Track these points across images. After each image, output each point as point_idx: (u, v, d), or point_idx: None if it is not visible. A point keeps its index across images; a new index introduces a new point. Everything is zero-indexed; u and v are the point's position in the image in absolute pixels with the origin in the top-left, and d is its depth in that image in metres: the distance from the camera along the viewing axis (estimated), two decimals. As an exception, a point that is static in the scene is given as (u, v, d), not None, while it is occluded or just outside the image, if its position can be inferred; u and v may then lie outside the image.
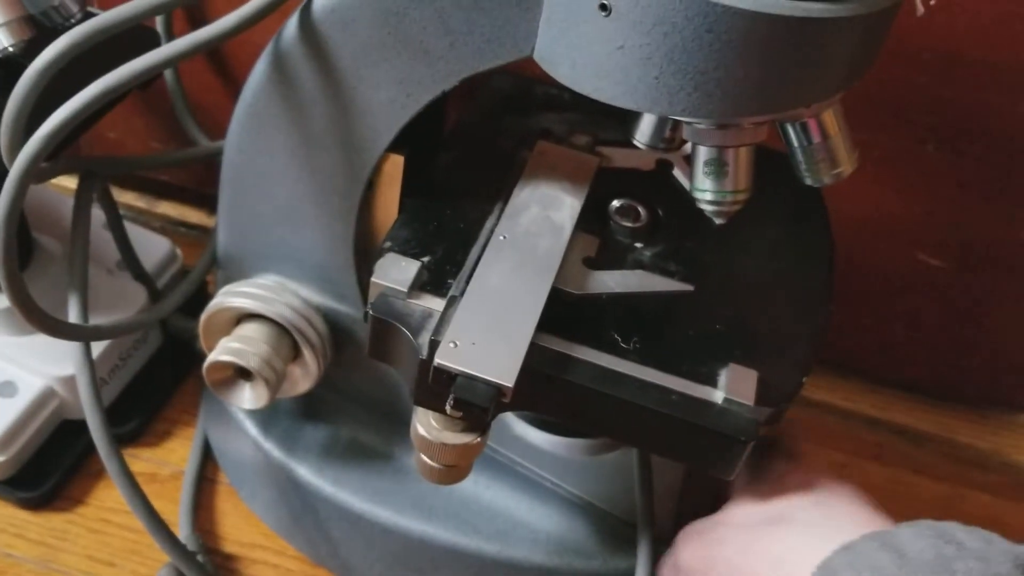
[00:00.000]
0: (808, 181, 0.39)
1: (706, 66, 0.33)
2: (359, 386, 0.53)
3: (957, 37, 0.51)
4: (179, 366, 0.63)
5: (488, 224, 0.44)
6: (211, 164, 0.67)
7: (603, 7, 0.33)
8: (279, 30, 0.42)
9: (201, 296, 0.61)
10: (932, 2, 0.38)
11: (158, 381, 0.62)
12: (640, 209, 0.47)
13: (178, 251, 0.65)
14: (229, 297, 0.49)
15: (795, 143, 0.39)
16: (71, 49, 0.38)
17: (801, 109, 0.37)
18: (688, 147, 0.39)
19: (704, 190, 0.38)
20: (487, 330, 0.38)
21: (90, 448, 0.57)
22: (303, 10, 0.40)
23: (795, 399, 0.40)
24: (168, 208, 0.74)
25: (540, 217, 0.44)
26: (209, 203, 0.74)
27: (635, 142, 0.41)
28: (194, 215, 0.74)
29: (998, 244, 0.60)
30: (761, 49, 0.32)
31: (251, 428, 0.54)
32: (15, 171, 0.40)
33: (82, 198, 0.51)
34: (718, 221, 0.40)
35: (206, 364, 0.47)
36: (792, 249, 0.47)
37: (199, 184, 0.73)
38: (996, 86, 0.52)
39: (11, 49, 0.43)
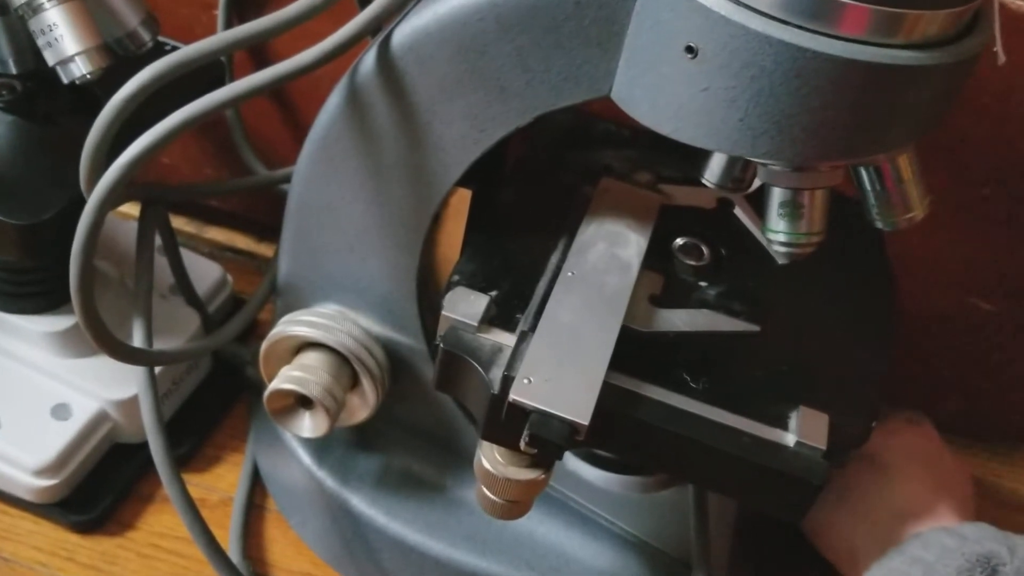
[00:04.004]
0: (880, 224, 0.40)
1: (792, 110, 0.33)
2: (414, 417, 0.53)
3: (1015, 84, 0.51)
4: (228, 392, 0.63)
5: (553, 259, 0.44)
6: (263, 190, 0.68)
7: (689, 49, 0.33)
8: (355, 63, 0.42)
9: (250, 323, 0.61)
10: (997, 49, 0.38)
11: (208, 406, 0.63)
12: (703, 247, 0.47)
13: (228, 277, 0.66)
14: (291, 326, 0.49)
15: (868, 187, 0.39)
16: (155, 81, 0.39)
17: (879, 154, 0.37)
18: (753, 186, 0.40)
19: (778, 231, 0.39)
20: (560, 367, 0.38)
21: (141, 472, 0.58)
22: (381, 45, 0.41)
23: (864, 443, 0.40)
24: (217, 233, 0.75)
25: (607, 254, 0.44)
26: (257, 229, 0.75)
27: (704, 181, 0.41)
28: (242, 241, 0.75)
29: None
30: (847, 95, 0.32)
31: (305, 456, 0.54)
32: (95, 198, 0.40)
33: (146, 225, 0.52)
34: (784, 261, 0.40)
35: (267, 392, 0.48)
36: (855, 290, 0.47)
37: (248, 210, 0.73)
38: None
39: (89, 76, 0.44)
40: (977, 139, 0.54)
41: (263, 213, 0.72)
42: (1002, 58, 0.35)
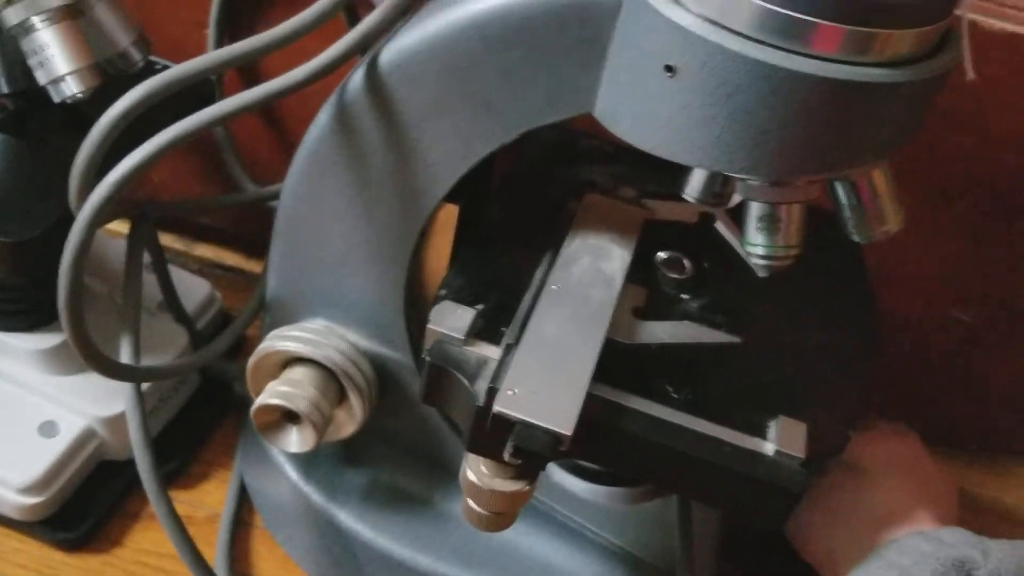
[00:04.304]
0: (856, 237, 0.40)
1: (768, 127, 0.34)
2: (402, 431, 0.54)
3: (989, 101, 0.53)
4: (216, 408, 0.64)
5: (539, 274, 0.45)
6: (252, 207, 0.69)
7: (668, 68, 0.34)
8: (343, 82, 0.43)
9: (239, 339, 0.62)
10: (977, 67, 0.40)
11: (195, 423, 0.63)
12: (685, 261, 0.48)
13: (217, 294, 0.66)
14: (279, 341, 0.49)
15: (844, 201, 0.40)
16: (145, 100, 0.40)
17: (853, 168, 0.38)
18: (733, 200, 0.41)
19: (756, 244, 0.39)
20: (544, 379, 0.39)
21: (128, 490, 0.58)
22: (369, 64, 0.42)
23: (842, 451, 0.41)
24: (206, 250, 0.76)
25: (591, 268, 0.45)
26: (246, 245, 0.75)
27: (685, 196, 0.42)
28: (231, 257, 0.75)
29: (1022, 300, 0.61)
30: (821, 112, 0.33)
31: (292, 472, 0.55)
32: (84, 216, 0.41)
33: (135, 242, 0.52)
34: (763, 274, 0.41)
35: (254, 407, 0.48)
36: (834, 302, 0.48)
37: (237, 227, 0.74)
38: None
39: (80, 96, 0.44)
40: (953, 153, 0.55)
41: (253, 230, 0.72)
42: (971, 75, 0.37)
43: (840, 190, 0.40)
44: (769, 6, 0.32)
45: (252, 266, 0.75)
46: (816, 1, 0.31)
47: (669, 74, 0.34)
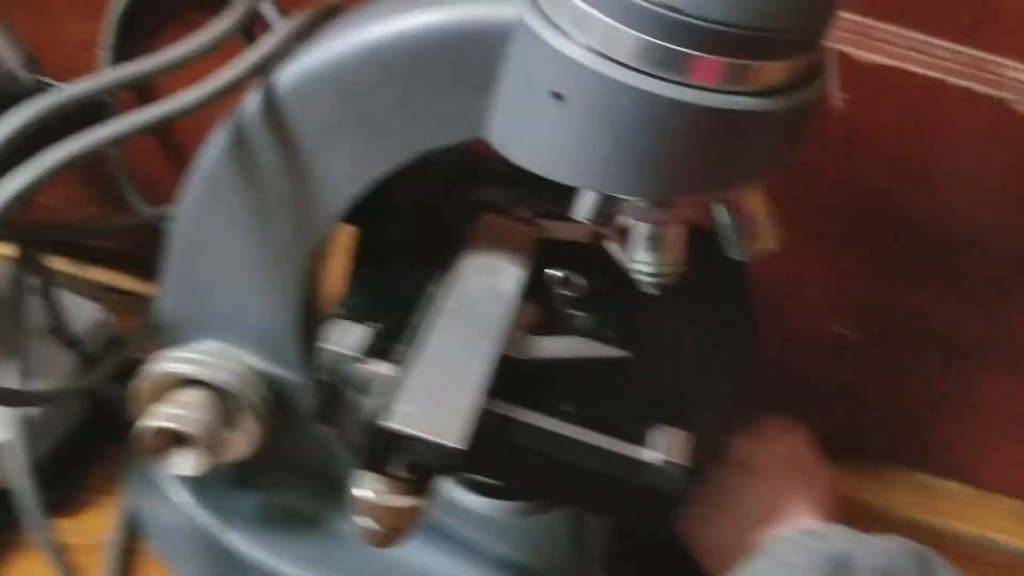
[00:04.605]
0: (736, 255, 0.43)
1: (650, 151, 0.36)
2: (295, 452, 0.53)
3: (865, 128, 0.56)
4: (105, 433, 0.62)
5: (435, 292, 0.46)
6: (146, 229, 0.68)
7: (556, 95, 0.36)
8: (240, 104, 0.43)
9: (130, 362, 0.61)
10: (847, 96, 0.43)
11: (82, 449, 0.61)
12: (578, 279, 0.49)
13: (111, 317, 0.65)
14: (170, 363, 0.49)
15: (724, 221, 0.42)
16: (34, 121, 0.39)
17: (732, 190, 0.40)
18: (624, 221, 0.42)
19: (643, 262, 0.41)
20: (437, 395, 0.40)
21: (12, 518, 0.56)
22: (266, 86, 0.42)
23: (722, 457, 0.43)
24: (98, 274, 0.74)
25: (487, 286, 0.46)
26: (140, 269, 0.74)
27: (576, 216, 0.43)
28: (125, 281, 0.74)
29: (899, 313, 0.65)
30: (700, 138, 0.35)
31: (182, 496, 0.54)
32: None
33: (22, 265, 0.51)
34: (651, 291, 0.42)
35: (144, 430, 0.47)
36: (718, 317, 0.50)
37: (131, 250, 0.72)
38: (899, 172, 0.58)
39: (-38, 114, 0.43)
40: (830, 176, 0.58)
41: (147, 253, 0.71)
42: (838, 104, 0.39)
43: (720, 211, 0.42)
44: (649, 39, 0.34)
45: (147, 289, 0.73)
46: (693, 35, 0.33)
47: (557, 100, 0.36)
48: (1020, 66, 0.54)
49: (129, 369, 0.63)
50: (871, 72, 0.54)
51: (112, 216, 0.69)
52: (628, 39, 0.34)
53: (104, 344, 0.64)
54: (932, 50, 0.54)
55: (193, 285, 0.49)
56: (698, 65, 0.34)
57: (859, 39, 0.54)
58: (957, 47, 0.54)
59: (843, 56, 0.53)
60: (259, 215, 0.45)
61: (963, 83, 0.54)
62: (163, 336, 0.52)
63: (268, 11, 0.57)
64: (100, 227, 0.65)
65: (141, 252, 0.72)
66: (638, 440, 0.41)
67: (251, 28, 0.50)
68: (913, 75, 0.54)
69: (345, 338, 0.42)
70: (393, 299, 0.45)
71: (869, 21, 0.54)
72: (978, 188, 0.57)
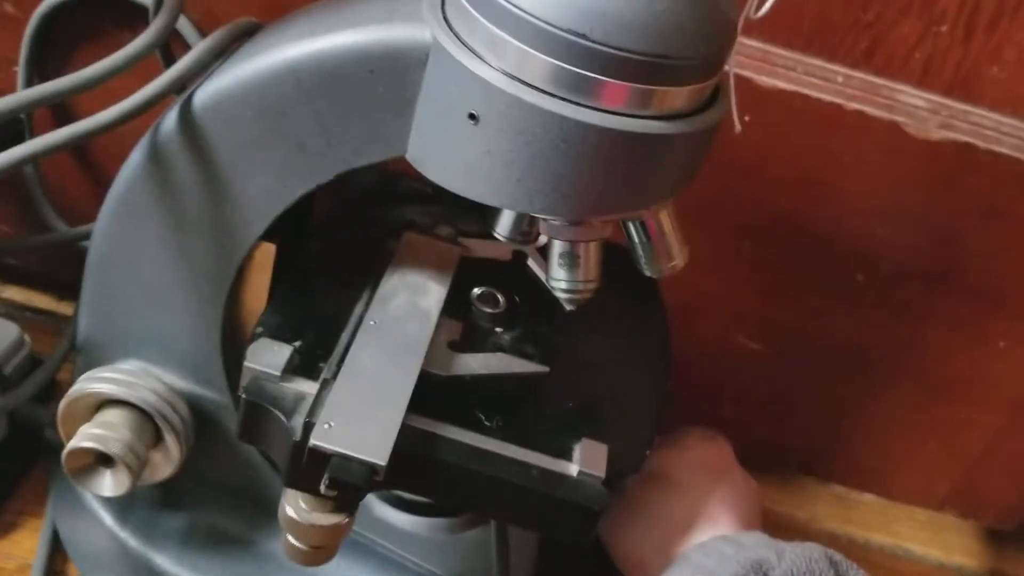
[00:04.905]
0: (647, 272, 0.44)
1: (562, 171, 0.37)
2: (220, 472, 0.53)
3: (768, 149, 0.59)
4: (26, 455, 0.61)
5: (358, 310, 0.46)
6: (63, 248, 0.67)
7: (472, 116, 0.37)
8: (158, 121, 0.43)
9: (49, 383, 0.60)
10: (747, 118, 0.44)
11: (4, 471, 0.60)
12: (499, 296, 0.50)
13: (26, 337, 0.63)
14: (91, 383, 0.48)
15: (636, 239, 0.43)
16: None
17: (641, 209, 0.42)
18: (542, 240, 0.44)
19: (559, 279, 0.42)
20: (360, 412, 0.40)
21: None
22: (184, 103, 0.42)
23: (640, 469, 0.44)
24: (14, 292, 0.72)
25: (408, 304, 0.46)
26: (57, 288, 0.72)
27: (495, 235, 0.44)
28: (42, 300, 0.73)
29: (806, 328, 0.67)
30: (609, 159, 0.37)
31: (107, 517, 0.53)
32: None
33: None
34: (570, 307, 0.44)
35: (66, 451, 0.47)
36: (634, 332, 0.52)
37: (48, 268, 0.71)
38: (801, 191, 0.60)
39: None
40: (737, 195, 0.60)
41: (64, 271, 0.70)
42: (738, 128, 0.41)
43: (632, 229, 0.43)
44: (560, 64, 0.35)
45: (64, 309, 0.72)
46: (601, 61, 0.35)
47: (473, 122, 0.37)
48: (911, 90, 0.57)
49: (49, 390, 0.62)
50: (772, 96, 0.56)
51: (28, 234, 0.68)
52: (540, 63, 0.35)
53: (21, 364, 0.63)
54: (829, 75, 0.57)
55: (112, 305, 0.49)
56: (606, 90, 0.35)
57: (760, 64, 0.56)
58: (853, 72, 0.57)
59: (745, 80, 0.55)
60: (178, 233, 0.45)
61: (859, 107, 0.56)
62: (83, 356, 0.51)
63: (186, 29, 0.57)
64: (17, 245, 0.64)
65: (58, 271, 0.71)
66: (558, 453, 0.42)
67: (169, 46, 0.50)
68: (811, 99, 0.56)
69: (266, 356, 0.42)
70: (314, 316, 0.45)
71: (769, 47, 0.56)
72: (875, 206, 0.60)
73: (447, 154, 0.39)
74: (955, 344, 0.66)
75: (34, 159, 0.40)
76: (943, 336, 0.66)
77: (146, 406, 0.48)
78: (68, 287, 0.71)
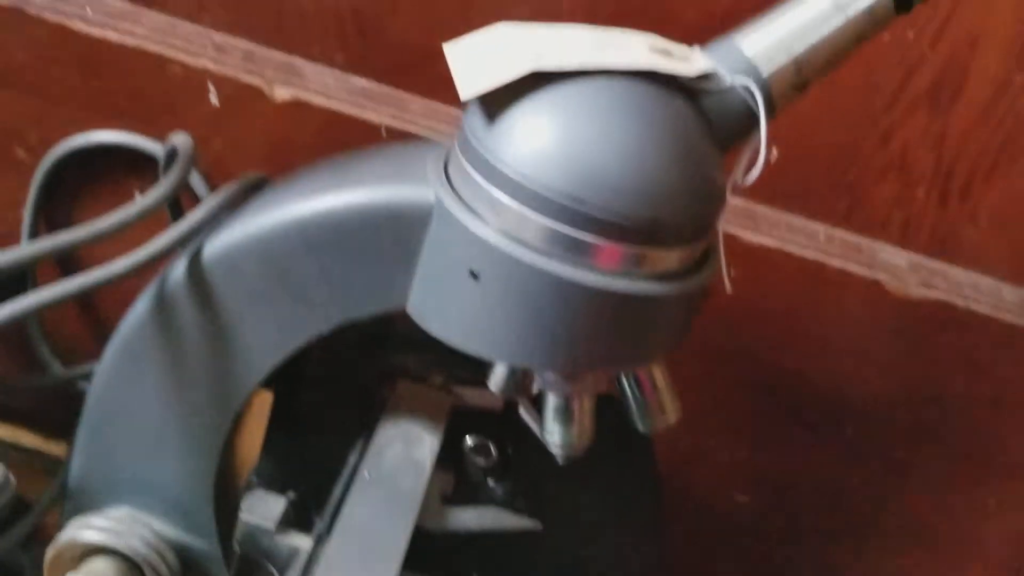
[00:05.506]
0: (640, 428, 0.45)
1: (559, 328, 0.38)
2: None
3: (754, 304, 0.60)
4: (3, 602, 0.59)
5: (352, 459, 0.46)
6: (57, 388, 0.67)
7: (473, 273, 0.38)
8: (164, 270, 0.45)
9: (35, 528, 0.58)
10: (733, 273, 0.46)
11: (-23, 620, 0.58)
12: (492, 447, 0.50)
13: (11, 477, 0.62)
14: (79, 530, 0.48)
15: (629, 393, 0.44)
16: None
17: (635, 366, 0.43)
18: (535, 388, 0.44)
19: (553, 433, 0.43)
20: (355, 570, 0.40)
21: None
22: (192, 254, 0.43)
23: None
24: (1, 430, 0.72)
25: (402, 454, 0.47)
26: (46, 426, 0.72)
27: (491, 387, 0.45)
28: (28, 438, 0.72)
29: (795, 481, 0.67)
30: (604, 317, 0.38)
31: (83, 670, 0.51)
32: None
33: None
34: (563, 462, 0.44)
35: (48, 601, 0.46)
36: (626, 487, 0.52)
37: (36, 407, 0.71)
38: (788, 346, 0.61)
39: None
40: (727, 349, 0.62)
41: (53, 411, 0.70)
42: (728, 288, 0.43)
43: (626, 384, 0.44)
44: (557, 226, 0.37)
45: (51, 448, 0.71)
46: (596, 225, 0.36)
47: (473, 278, 0.38)
48: (892, 249, 0.59)
49: (35, 534, 0.61)
50: (757, 252, 0.58)
51: (23, 373, 0.68)
52: (537, 225, 0.37)
53: (4, 506, 0.62)
54: (812, 233, 0.59)
55: (107, 449, 0.49)
56: (601, 251, 0.37)
57: (745, 221, 0.58)
58: (835, 231, 0.59)
59: (730, 236, 0.58)
60: (178, 381, 0.45)
61: (841, 264, 0.59)
62: (72, 501, 0.51)
63: (195, 180, 0.59)
64: (12, 386, 0.64)
65: (47, 410, 0.71)
66: (550, 610, 0.42)
67: (179, 198, 0.52)
68: (795, 256, 0.58)
69: (261, 508, 0.42)
70: (309, 466, 0.45)
71: (753, 205, 0.59)
72: (861, 360, 0.61)
73: (447, 309, 0.40)
74: (947, 503, 0.66)
75: (42, 308, 0.41)
76: (935, 494, 0.66)
77: (135, 556, 0.47)
78: (56, 426, 0.71)
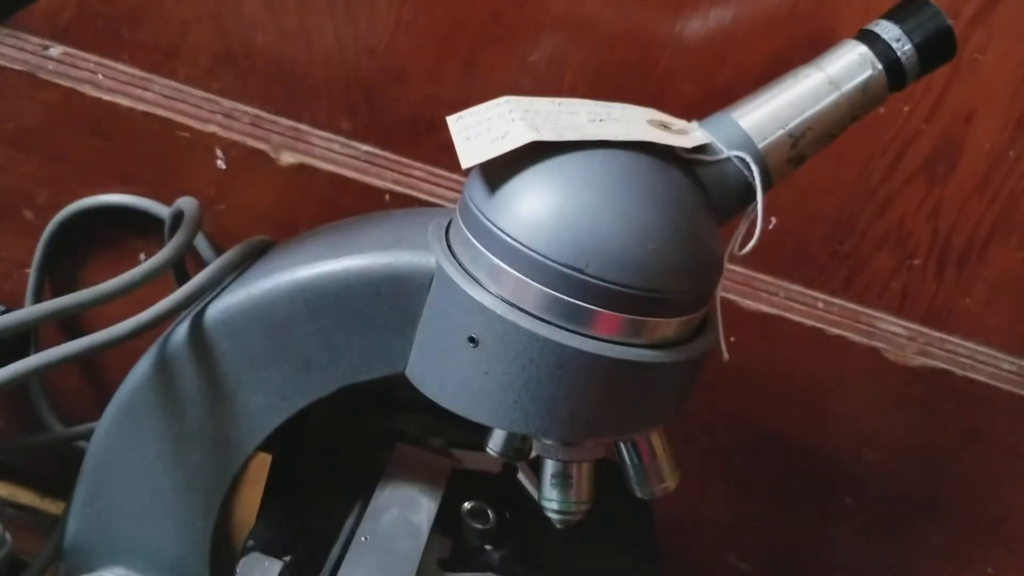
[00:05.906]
0: (639, 494, 0.45)
1: (557, 395, 0.38)
2: None
3: (753, 371, 0.60)
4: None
5: (349, 524, 0.46)
6: (57, 446, 0.67)
7: (471, 339, 0.39)
8: (167, 331, 0.45)
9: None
10: (732, 339, 0.46)
11: None
12: (489, 511, 0.50)
13: (8, 535, 0.62)
14: (72, 592, 0.47)
15: (628, 460, 0.44)
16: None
17: (634, 433, 0.43)
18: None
19: (551, 499, 0.43)
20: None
21: None
22: (195, 317, 0.44)
23: None
24: (-3, 488, 0.72)
25: (399, 519, 0.46)
26: (42, 484, 0.72)
27: (489, 451, 0.45)
28: (25, 496, 0.72)
29: (795, 548, 0.67)
30: (602, 384, 0.38)
31: None
32: None
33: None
34: (561, 527, 0.44)
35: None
36: (624, 554, 0.51)
37: (34, 465, 0.71)
38: (787, 413, 0.61)
39: None
40: (724, 416, 0.62)
41: (50, 468, 0.70)
42: (725, 356, 0.43)
43: (624, 451, 0.44)
44: (556, 294, 0.37)
45: (47, 506, 0.71)
46: (595, 293, 0.37)
47: (472, 344, 0.39)
48: (890, 318, 0.60)
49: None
50: (755, 319, 0.59)
51: (22, 431, 0.68)
52: (537, 293, 0.37)
53: (2, 562, 0.61)
54: (810, 301, 0.59)
55: (103, 510, 0.48)
56: (600, 319, 0.37)
57: (743, 288, 0.59)
58: (833, 299, 0.60)
59: (729, 303, 0.58)
60: (177, 444, 0.46)
61: (839, 332, 0.59)
62: (67, 562, 0.50)
63: (200, 243, 0.60)
64: (12, 445, 0.64)
65: (44, 467, 0.70)
66: None
67: (183, 261, 0.52)
68: (794, 323, 0.59)
69: (257, 572, 0.42)
70: (306, 530, 0.45)
71: (752, 273, 0.59)
72: (859, 428, 0.61)
73: (446, 374, 0.40)
74: (947, 574, 0.65)
75: (47, 369, 0.41)
76: (935, 564, 0.65)
77: (127, 618, 0.47)
78: (52, 484, 0.71)
